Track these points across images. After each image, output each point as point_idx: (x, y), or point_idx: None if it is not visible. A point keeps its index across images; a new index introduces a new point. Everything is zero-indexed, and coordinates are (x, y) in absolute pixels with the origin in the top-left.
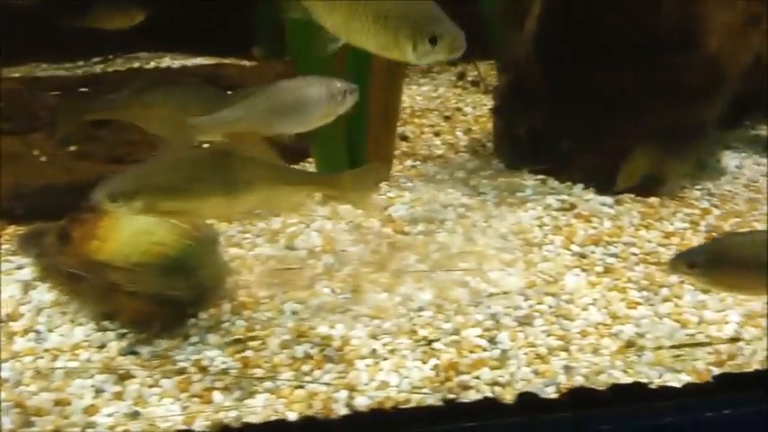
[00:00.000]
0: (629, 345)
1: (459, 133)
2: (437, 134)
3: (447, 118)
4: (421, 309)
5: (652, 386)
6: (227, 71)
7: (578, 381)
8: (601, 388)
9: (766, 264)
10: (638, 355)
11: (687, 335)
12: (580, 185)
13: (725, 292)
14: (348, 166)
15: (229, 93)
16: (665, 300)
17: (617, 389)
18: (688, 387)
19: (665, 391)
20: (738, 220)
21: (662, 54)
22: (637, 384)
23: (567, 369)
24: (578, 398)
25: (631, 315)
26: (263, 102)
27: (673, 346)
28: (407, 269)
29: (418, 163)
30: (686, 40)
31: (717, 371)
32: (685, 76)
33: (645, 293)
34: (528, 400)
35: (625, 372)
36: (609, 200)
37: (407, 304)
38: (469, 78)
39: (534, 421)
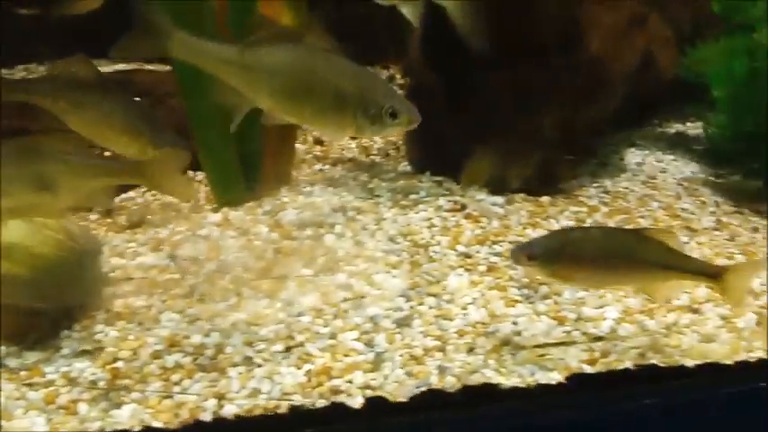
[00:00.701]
0: (505, 343)
1: (375, 137)
2: (353, 137)
3: None
4: (300, 314)
5: (502, 387)
6: (140, 77)
7: (450, 381)
8: (450, 390)
9: (599, 258)
10: (512, 354)
11: (564, 332)
12: (475, 186)
13: (563, 284)
14: (243, 173)
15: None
16: (545, 297)
17: (467, 390)
18: (539, 388)
19: (516, 392)
20: (625, 216)
21: (545, 56)
22: (487, 386)
23: (441, 369)
24: (427, 401)
25: (509, 313)
26: None
27: (540, 345)
28: (291, 275)
29: (327, 167)
30: (569, 41)
31: (589, 369)
32: (569, 77)
33: (525, 291)
34: (376, 404)
35: (497, 371)
36: (500, 200)
37: (287, 310)
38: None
39: (382, 425)
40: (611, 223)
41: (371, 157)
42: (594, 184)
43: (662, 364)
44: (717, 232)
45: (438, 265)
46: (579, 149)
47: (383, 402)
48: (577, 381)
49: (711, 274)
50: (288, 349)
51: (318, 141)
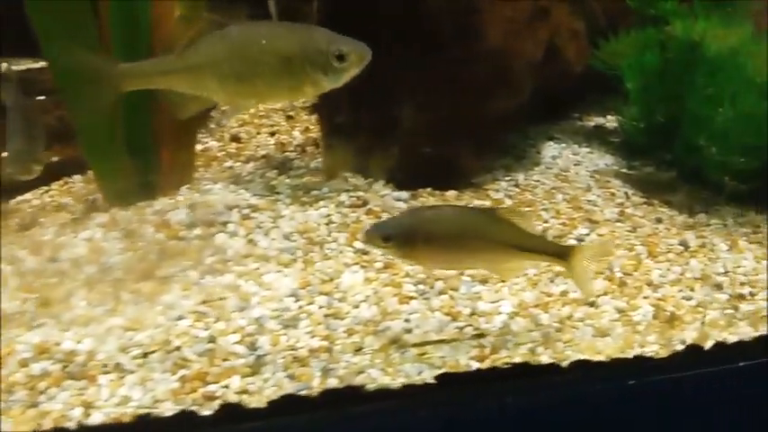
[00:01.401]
0: (394, 341)
1: (296, 132)
2: (273, 134)
3: (289, 117)
4: (180, 318)
5: (366, 389)
6: (46, 75)
7: (332, 383)
8: (314, 394)
9: (452, 239)
10: (402, 352)
11: (456, 328)
12: (381, 181)
13: (419, 265)
14: (136, 172)
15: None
16: (441, 293)
17: (328, 393)
18: (405, 389)
19: (380, 393)
20: (528, 209)
21: (443, 48)
22: (349, 388)
23: (325, 371)
24: (284, 405)
25: (402, 310)
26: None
27: (426, 343)
28: (175, 276)
29: (239, 164)
30: (467, 33)
31: (476, 365)
32: (468, 69)
33: (420, 287)
34: (229, 412)
35: (383, 370)
36: (405, 195)
37: (167, 313)
38: None
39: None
40: None
41: (287, 153)
42: (507, 178)
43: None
44: (619, 224)
45: (333, 262)
46: (487, 143)
47: (238, 409)
48: (448, 380)
49: (559, 254)
50: (163, 354)
51: (235, 138)
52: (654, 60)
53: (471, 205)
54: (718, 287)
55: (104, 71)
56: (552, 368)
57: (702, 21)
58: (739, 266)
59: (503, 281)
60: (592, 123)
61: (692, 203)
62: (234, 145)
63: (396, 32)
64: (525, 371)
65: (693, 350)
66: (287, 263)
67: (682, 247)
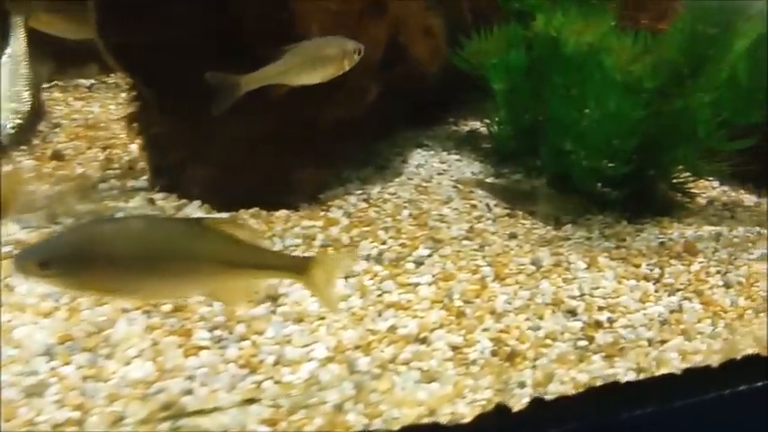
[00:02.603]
0: (165, 408)
1: (133, 146)
2: (105, 148)
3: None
4: None
5: None
6: None
7: None
8: None
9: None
10: (173, 421)
11: (254, 382)
12: (197, 202)
13: (101, 296)
14: None
15: None
16: (242, 338)
17: None
18: None
19: None
20: (366, 229)
21: (252, 48)
22: None
23: None
24: None
25: (186, 365)
26: (296, 58)
27: (199, 411)
28: None
29: (47, 186)
30: (280, 30)
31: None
32: None
33: (216, 333)
34: None
35: None
36: (223, 216)
37: None
38: None
39: None
40: (346, 239)
41: (111, 171)
42: (359, 191)
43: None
44: (467, 242)
45: (108, 308)
46: (329, 154)
47: None
48: None
49: (295, 267)
50: None
51: (57, 156)
52: (519, 59)
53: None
54: (572, 313)
55: None
56: None
57: (560, 15)
58: (597, 287)
59: (322, 317)
60: (467, 128)
61: (560, 214)
62: (53, 163)
63: (199, 31)
64: None
65: (533, 404)
66: (47, 312)
67: (534, 267)
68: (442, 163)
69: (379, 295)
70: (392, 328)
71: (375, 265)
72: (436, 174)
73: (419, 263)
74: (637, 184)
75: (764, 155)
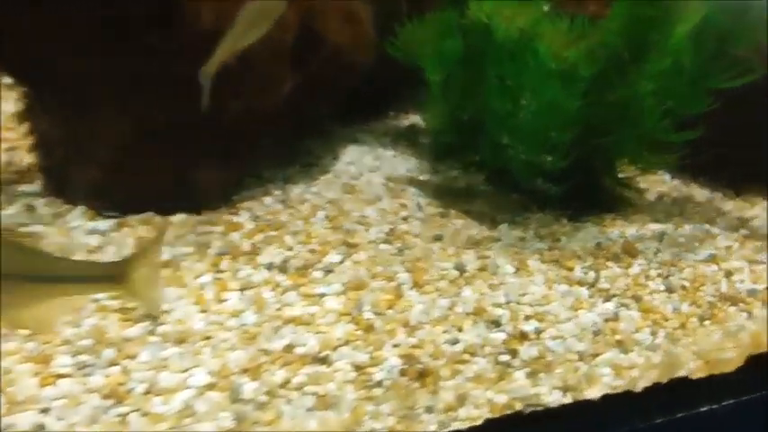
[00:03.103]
0: None
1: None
2: (11, 149)
3: None
4: None
5: None
6: None
7: None
8: None
9: None
10: None
11: (118, 415)
12: (82, 208)
13: None
14: None
15: None
16: (111, 364)
17: None
18: None
19: None
20: (272, 234)
21: (132, 36)
22: None
23: None
24: None
25: (42, 396)
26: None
27: None
28: None
29: None
30: (166, 13)
31: None
32: (174, 61)
33: (81, 359)
34: None
35: None
36: (106, 225)
37: None
38: None
39: None
40: (247, 246)
41: (6, 175)
42: (278, 192)
43: None
44: (385, 245)
45: None
46: (240, 151)
47: None
48: None
49: (108, 276)
50: None
51: None
52: (454, 48)
53: None
54: (495, 324)
55: None
56: None
57: (492, 0)
58: (525, 294)
59: (208, 336)
60: (407, 122)
61: (496, 212)
62: None
63: (78, 15)
64: None
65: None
66: None
67: (457, 272)
68: (376, 159)
69: (279, 309)
70: (289, 347)
71: (278, 275)
72: (367, 171)
73: (328, 270)
74: (579, 179)
75: (716, 145)
